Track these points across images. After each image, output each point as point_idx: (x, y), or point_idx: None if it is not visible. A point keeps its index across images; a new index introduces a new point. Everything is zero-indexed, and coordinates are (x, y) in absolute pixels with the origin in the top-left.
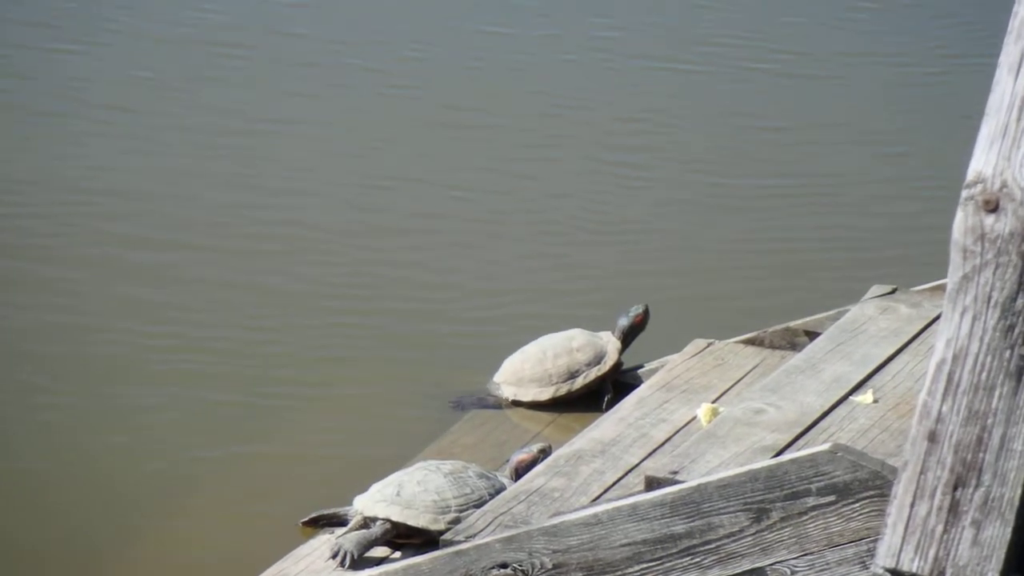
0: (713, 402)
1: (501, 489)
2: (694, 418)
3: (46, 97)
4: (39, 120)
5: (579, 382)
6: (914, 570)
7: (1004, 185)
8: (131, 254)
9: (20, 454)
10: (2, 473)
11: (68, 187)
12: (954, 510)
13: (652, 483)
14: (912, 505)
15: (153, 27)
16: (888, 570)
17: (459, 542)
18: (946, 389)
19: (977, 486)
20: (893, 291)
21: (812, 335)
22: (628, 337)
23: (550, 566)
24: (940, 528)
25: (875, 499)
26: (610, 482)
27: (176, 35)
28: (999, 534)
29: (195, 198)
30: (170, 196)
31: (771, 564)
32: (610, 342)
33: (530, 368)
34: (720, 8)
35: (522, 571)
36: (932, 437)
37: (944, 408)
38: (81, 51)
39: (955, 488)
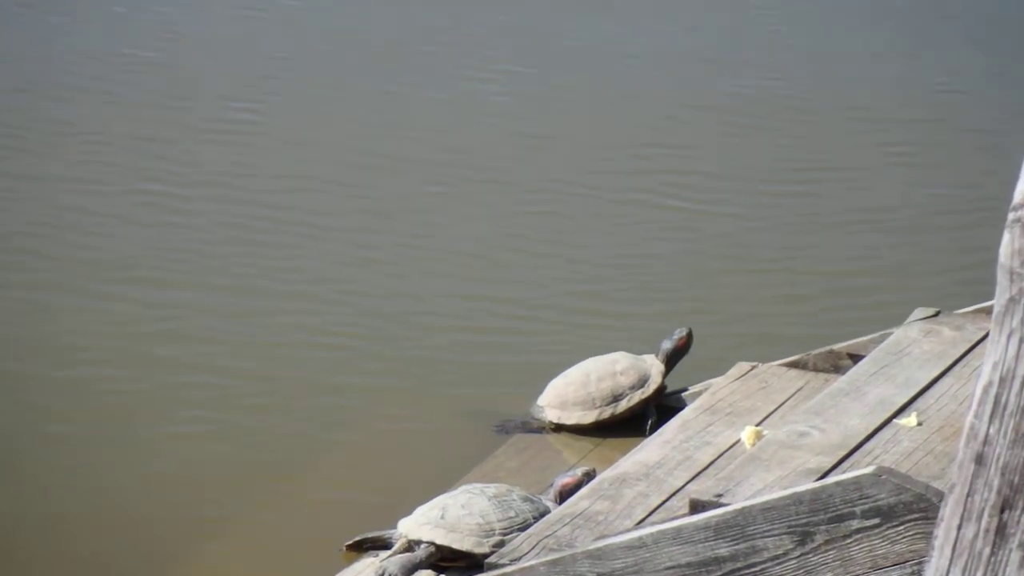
0: (757, 425)
1: (545, 512)
2: (738, 441)
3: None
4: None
5: (623, 405)
6: None
7: None
8: (157, 276)
9: (50, 487)
10: (33, 504)
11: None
12: (1001, 532)
13: (696, 506)
14: (959, 527)
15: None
16: None
17: (503, 565)
18: (993, 411)
19: None
20: (936, 314)
21: (856, 358)
22: (672, 360)
23: None
24: (987, 550)
25: (920, 522)
26: (654, 505)
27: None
28: None
29: (226, 237)
30: (201, 242)
31: None
32: (654, 365)
33: (574, 392)
34: None
35: None
36: (979, 459)
37: (991, 430)
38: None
39: (1002, 510)
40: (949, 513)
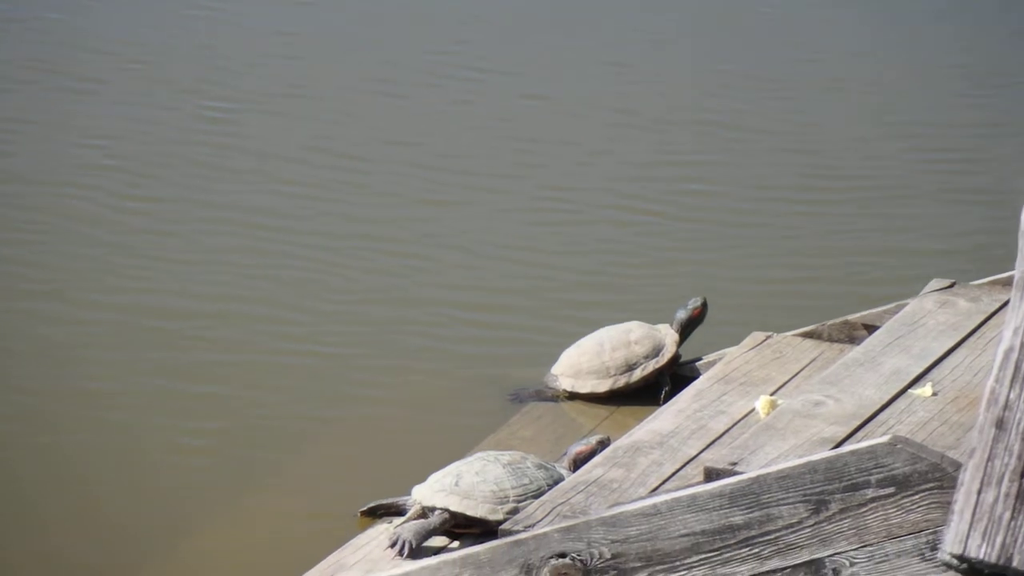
0: (771, 394)
1: (559, 480)
2: (752, 410)
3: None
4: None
5: (637, 374)
6: (981, 556)
7: None
8: (165, 252)
9: (69, 450)
10: (59, 467)
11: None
12: (1021, 497)
13: (711, 474)
14: (979, 492)
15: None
16: (955, 556)
17: (517, 532)
18: (1013, 377)
19: None
20: (952, 285)
21: (871, 328)
22: (686, 330)
23: (608, 556)
24: (1007, 515)
25: (935, 491)
26: (668, 473)
27: None
28: None
29: (239, 212)
30: (213, 216)
31: (830, 555)
32: (668, 335)
33: (588, 360)
34: None
35: (580, 561)
36: (1000, 424)
37: (1012, 395)
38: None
39: (1022, 475)
40: (969, 478)
